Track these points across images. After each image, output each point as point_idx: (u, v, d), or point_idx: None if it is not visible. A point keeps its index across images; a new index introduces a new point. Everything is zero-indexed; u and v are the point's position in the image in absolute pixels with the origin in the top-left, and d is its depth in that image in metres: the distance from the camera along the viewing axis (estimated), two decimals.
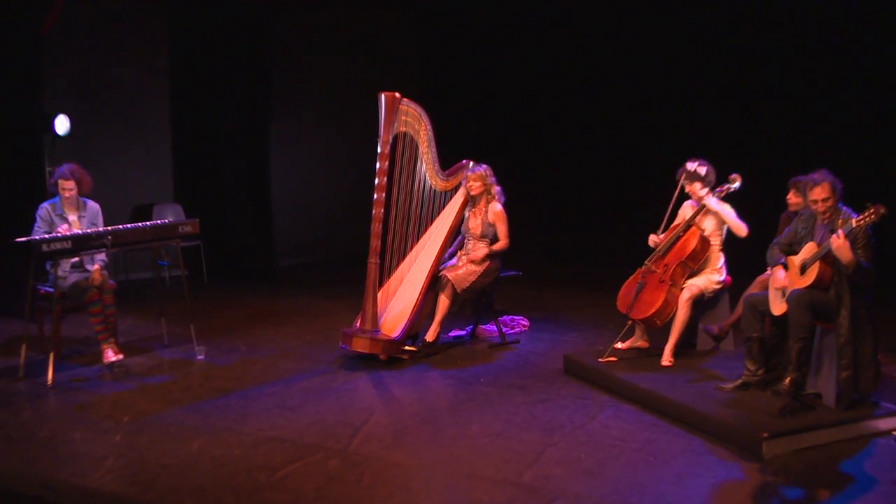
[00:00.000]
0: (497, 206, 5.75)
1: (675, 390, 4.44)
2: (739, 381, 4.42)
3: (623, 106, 9.03)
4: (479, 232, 5.77)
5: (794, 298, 4.13)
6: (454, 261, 5.90)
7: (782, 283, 4.29)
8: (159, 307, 6.19)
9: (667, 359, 4.96)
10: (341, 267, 9.53)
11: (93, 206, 5.50)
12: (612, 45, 9.00)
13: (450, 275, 5.60)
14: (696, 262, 5.08)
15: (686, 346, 5.22)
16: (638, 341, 5.30)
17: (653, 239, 5.26)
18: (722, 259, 5.17)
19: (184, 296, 5.80)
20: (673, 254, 5.12)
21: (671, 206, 5.19)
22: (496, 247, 5.75)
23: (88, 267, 5.37)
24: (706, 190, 5.12)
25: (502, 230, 5.74)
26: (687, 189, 5.16)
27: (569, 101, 9.45)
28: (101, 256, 5.41)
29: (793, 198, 4.96)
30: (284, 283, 8.70)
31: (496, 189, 5.79)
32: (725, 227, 5.10)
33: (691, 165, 5.12)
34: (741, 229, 4.97)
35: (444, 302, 5.61)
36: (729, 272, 5.22)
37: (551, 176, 9.78)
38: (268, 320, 6.81)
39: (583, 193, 9.55)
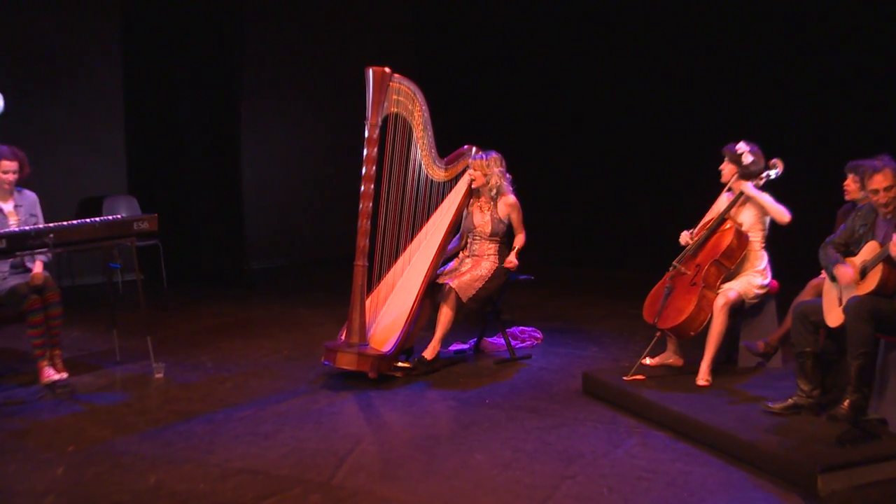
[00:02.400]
0: (511, 198, 5.77)
1: (714, 414, 4.43)
2: (790, 401, 4.40)
3: (653, 84, 9.01)
4: (489, 230, 5.77)
5: (853, 307, 4.11)
6: (454, 263, 5.90)
7: (849, 273, 4.24)
8: (110, 317, 6.18)
9: (703, 377, 4.94)
10: (323, 270, 9.52)
11: (30, 194, 5.49)
12: (642, 10, 8.99)
13: (453, 283, 5.59)
14: (732, 262, 5.07)
15: (726, 362, 5.21)
16: (670, 357, 5.29)
17: (685, 237, 5.27)
18: (765, 259, 5.16)
19: (139, 303, 5.79)
20: (705, 252, 5.11)
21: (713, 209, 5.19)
22: (518, 243, 5.80)
23: (30, 265, 5.34)
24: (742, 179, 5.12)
25: (517, 219, 5.76)
26: (722, 166, 5.20)
27: (589, 79, 9.44)
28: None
29: (851, 184, 4.93)
30: (257, 288, 8.71)
31: (505, 182, 5.78)
32: (768, 222, 5.11)
33: (740, 147, 5.14)
34: (782, 214, 4.97)
35: (446, 315, 5.60)
36: (776, 275, 5.21)
37: (567, 166, 9.77)
38: (238, 332, 6.81)
39: (604, 186, 9.54)
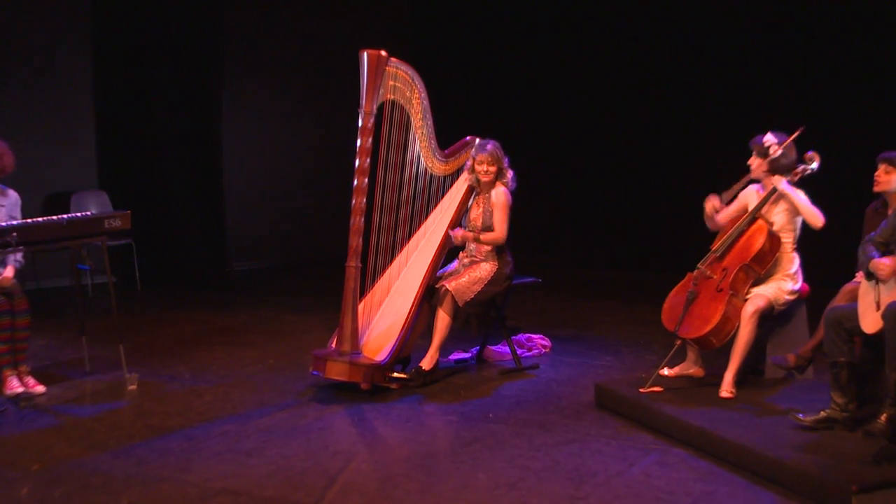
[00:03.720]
0: (501, 190, 5.72)
1: (739, 429, 4.42)
2: (822, 414, 4.39)
3: (674, 74, 9.03)
4: (480, 223, 5.76)
5: (892, 313, 4.10)
6: (455, 264, 5.90)
7: (888, 264, 4.21)
8: (79, 323, 6.17)
9: (727, 389, 4.94)
10: (312, 272, 9.52)
11: (13, 195, 5.53)
12: None
13: (449, 285, 5.59)
14: (762, 266, 5.06)
15: (752, 372, 5.21)
16: (690, 367, 5.29)
17: (712, 204, 5.22)
18: (796, 262, 5.15)
19: (111, 309, 5.78)
20: (734, 255, 5.10)
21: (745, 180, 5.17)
22: (486, 237, 5.70)
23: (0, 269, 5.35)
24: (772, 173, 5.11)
25: (498, 218, 5.69)
26: (750, 160, 5.17)
27: (604, 66, 9.46)
28: (18, 257, 5.40)
29: (882, 175, 4.90)
30: (240, 292, 8.73)
31: (510, 174, 5.78)
32: (800, 221, 5.09)
33: (767, 139, 5.11)
34: (816, 217, 4.95)
35: (443, 320, 5.60)
36: (806, 278, 5.21)
37: (578, 158, 9.77)
38: (218, 340, 6.82)
39: (620, 179, 9.55)
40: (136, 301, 8.05)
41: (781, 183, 5.05)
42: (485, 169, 5.72)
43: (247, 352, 6.44)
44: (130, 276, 8.63)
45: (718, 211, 5.24)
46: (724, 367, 5.00)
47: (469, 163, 5.81)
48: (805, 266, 5.20)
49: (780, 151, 5.07)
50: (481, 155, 5.72)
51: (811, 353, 5.08)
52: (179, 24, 8.80)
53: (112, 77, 8.92)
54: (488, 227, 5.73)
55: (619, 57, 9.36)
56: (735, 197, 5.29)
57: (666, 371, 5.22)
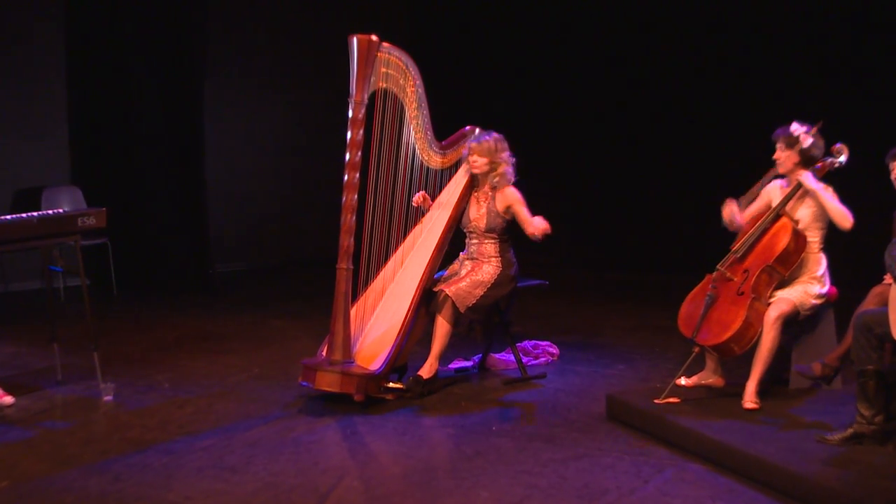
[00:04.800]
0: (510, 190, 5.72)
1: (761, 443, 4.41)
2: (849, 431, 4.38)
3: (690, 57, 9.03)
4: (483, 224, 5.75)
5: None
6: (454, 266, 5.90)
7: None
8: (50, 329, 6.15)
9: (750, 399, 4.93)
10: (301, 274, 9.50)
11: None
12: None
13: (449, 289, 5.58)
14: (787, 268, 5.05)
15: (775, 382, 5.20)
16: (709, 377, 5.28)
17: (731, 207, 5.21)
18: (824, 264, 5.14)
19: (85, 313, 5.75)
20: (756, 255, 5.08)
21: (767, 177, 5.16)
22: (529, 228, 5.56)
23: None
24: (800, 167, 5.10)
25: (522, 214, 5.64)
26: (776, 156, 5.14)
27: (618, 55, 9.46)
28: None
29: None
30: (223, 295, 8.72)
31: (509, 167, 5.75)
32: (828, 219, 5.07)
33: (795, 128, 5.09)
34: (845, 218, 4.94)
35: (442, 327, 5.58)
36: (834, 281, 5.20)
37: (588, 152, 9.77)
38: (200, 347, 6.81)
39: (634, 175, 9.55)
40: (112, 305, 8.04)
41: (806, 177, 5.02)
42: (474, 159, 5.70)
43: (231, 360, 6.43)
44: (106, 278, 8.61)
45: (737, 219, 5.20)
46: (746, 377, 4.98)
47: (465, 152, 5.81)
48: (832, 268, 5.19)
49: (810, 140, 5.05)
50: (473, 144, 5.72)
51: (839, 361, 5.04)
52: (159, 8, 8.78)
53: (86, 65, 8.90)
54: (494, 228, 5.72)
55: (635, 46, 9.36)
56: (756, 197, 5.27)
57: (683, 381, 5.21)
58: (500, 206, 5.73)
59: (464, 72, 9.94)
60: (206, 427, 5.07)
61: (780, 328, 4.96)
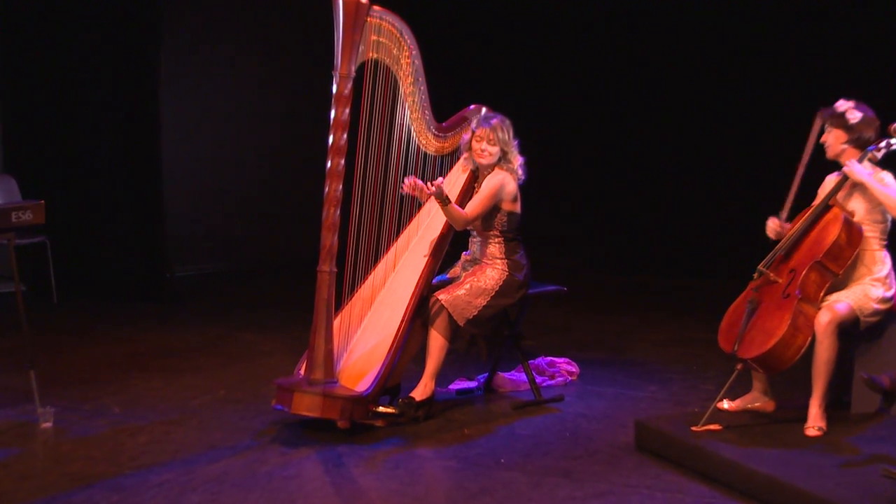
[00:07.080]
0: (499, 176, 5.68)
1: (817, 478, 4.38)
2: None
3: (729, 42, 9.06)
4: (481, 221, 5.73)
5: None
6: (455, 269, 5.94)
7: None
8: None
9: (814, 423, 4.93)
10: (275, 279, 9.52)
11: None
12: None
13: (444, 297, 5.57)
14: (840, 264, 5.04)
15: (836, 406, 5.18)
16: (757, 400, 5.29)
17: (773, 226, 5.25)
18: (888, 263, 5.15)
19: (20, 325, 5.74)
20: (803, 251, 5.10)
21: (801, 170, 5.17)
22: (459, 212, 5.57)
23: None
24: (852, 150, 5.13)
25: (475, 201, 5.64)
26: (824, 137, 5.18)
27: (649, 43, 9.50)
28: None
29: None
30: (183, 304, 8.75)
31: (521, 161, 5.77)
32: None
33: (841, 104, 5.14)
34: None
35: (437, 342, 5.60)
36: None
37: (611, 139, 9.80)
38: (156, 364, 6.83)
39: (663, 165, 9.57)
40: (52, 315, 8.04)
41: (853, 168, 5.04)
42: (482, 147, 5.69)
43: (192, 380, 6.44)
44: (44, 282, 8.62)
45: (783, 233, 5.23)
46: (803, 398, 4.99)
47: (467, 137, 5.77)
48: None
49: (858, 114, 5.08)
50: (482, 129, 5.70)
51: None
52: None
53: (22, 39, 8.95)
54: (490, 226, 5.71)
55: (666, 36, 9.45)
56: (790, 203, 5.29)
57: (726, 404, 5.21)
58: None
59: (468, 41, 9.94)
60: (163, 459, 5.05)
61: (835, 335, 4.93)
